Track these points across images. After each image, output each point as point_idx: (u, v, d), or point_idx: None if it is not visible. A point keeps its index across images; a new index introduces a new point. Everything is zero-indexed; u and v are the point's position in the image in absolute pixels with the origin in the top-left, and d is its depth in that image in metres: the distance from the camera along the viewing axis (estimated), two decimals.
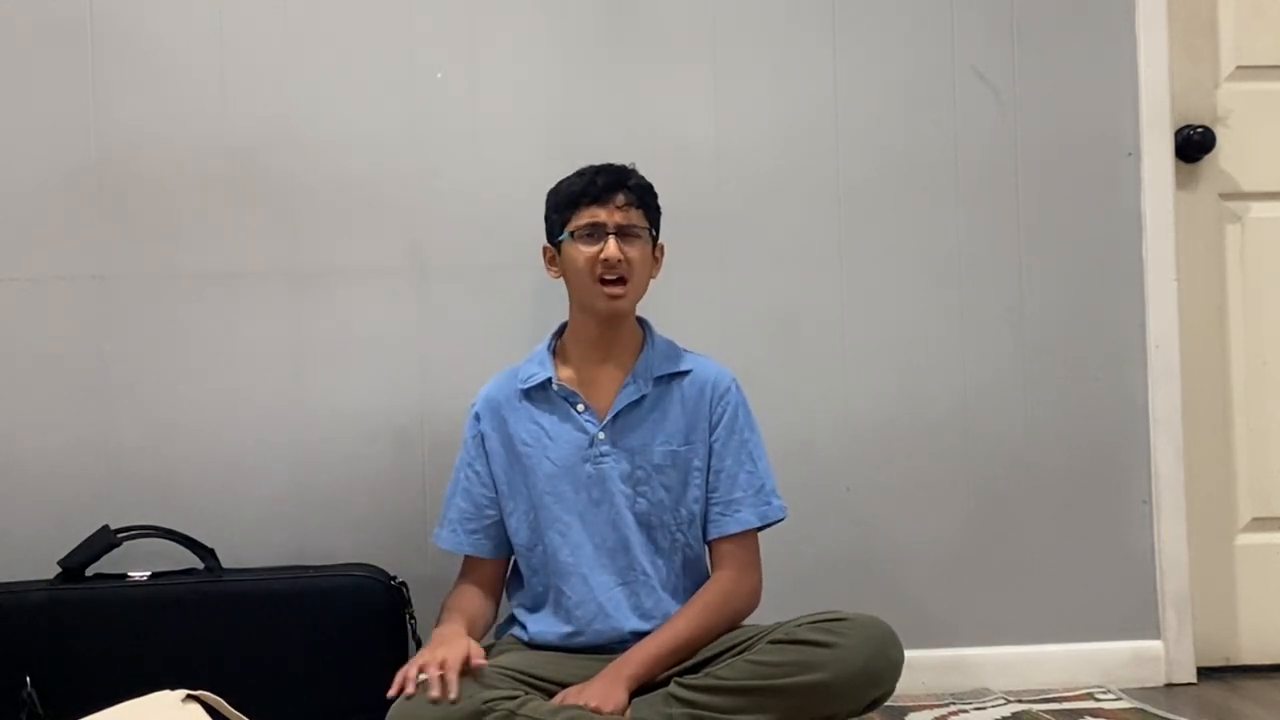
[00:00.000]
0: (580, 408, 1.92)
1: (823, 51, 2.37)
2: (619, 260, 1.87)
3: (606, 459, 1.91)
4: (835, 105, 2.37)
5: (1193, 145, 2.45)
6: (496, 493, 1.95)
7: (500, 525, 1.96)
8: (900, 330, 2.38)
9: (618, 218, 1.89)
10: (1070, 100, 2.41)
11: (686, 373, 1.96)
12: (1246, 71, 2.49)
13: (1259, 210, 2.50)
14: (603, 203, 1.89)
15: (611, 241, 1.87)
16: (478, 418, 1.97)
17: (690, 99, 2.35)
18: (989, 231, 2.40)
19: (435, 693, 1.63)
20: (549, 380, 1.93)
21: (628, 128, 2.31)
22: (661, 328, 2.02)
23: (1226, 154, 2.49)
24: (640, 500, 1.91)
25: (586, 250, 1.88)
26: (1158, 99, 2.41)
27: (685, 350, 1.99)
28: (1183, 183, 2.46)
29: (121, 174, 2.24)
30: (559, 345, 1.99)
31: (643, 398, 1.92)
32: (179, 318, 2.24)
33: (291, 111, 2.27)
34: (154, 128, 2.24)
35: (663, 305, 2.01)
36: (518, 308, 2.28)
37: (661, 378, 1.95)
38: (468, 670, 1.68)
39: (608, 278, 1.88)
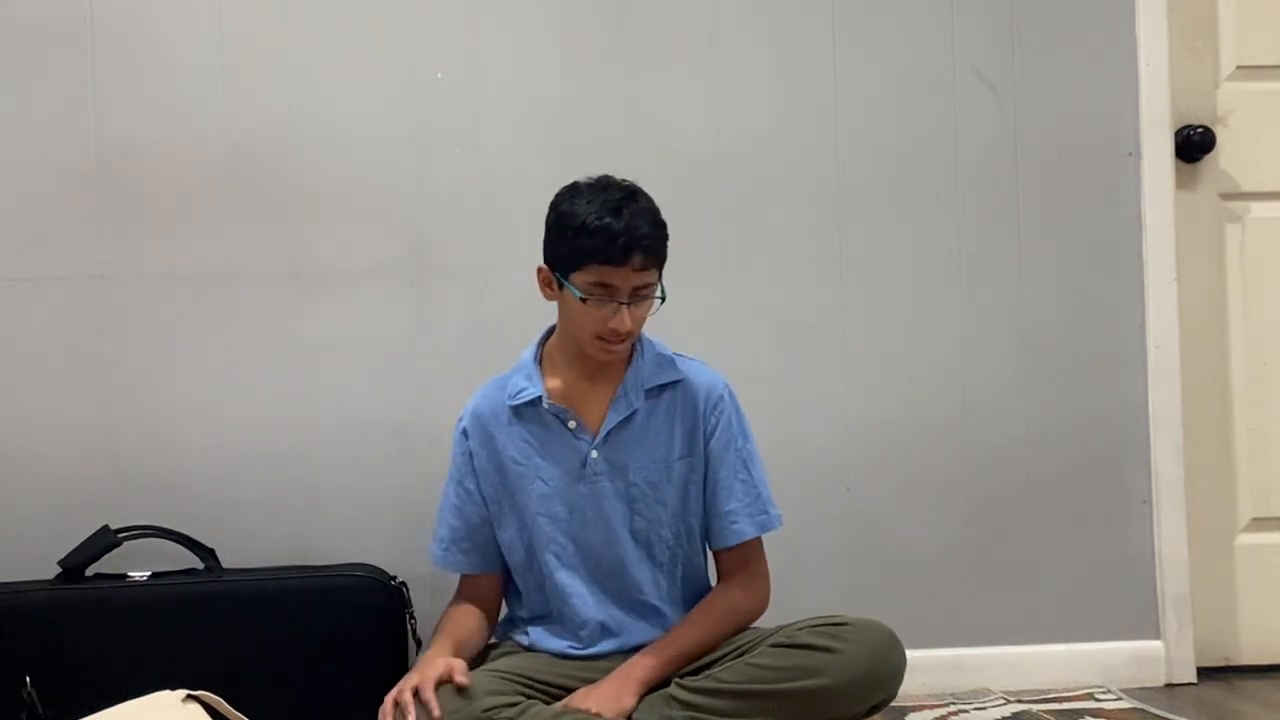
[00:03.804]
0: (572, 425, 1.85)
1: (823, 51, 2.38)
2: (629, 331, 1.77)
3: (600, 478, 1.85)
4: (835, 105, 2.37)
5: (1193, 145, 2.45)
6: (488, 510, 1.90)
7: (494, 541, 1.91)
8: (900, 330, 2.38)
9: (633, 281, 1.75)
10: (1070, 100, 2.41)
11: (678, 382, 1.89)
12: (1246, 71, 2.49)
13: (1259, 210, 2.50)
14: (617, 264, 1.73)
15: (624, 313, 1.75)
16: (465, 434, 1.90)
17: (690, 99, 2.34)
18: (989, 231, 2.40)
19: (411, 717, 1.60)
20: (539, 398, 1.86)
21: (628, 128, 2.31)
22: (659, 330, 1.99)
23: (1226, 154, 2.49)
24: (637, 518, 1.86)
25: (594, 312, 1.76)
26: (1158, 99, 2.41)
27: (675, 355, 1.92)
28: (1183, 183, 2.46)
29: (121, 174, 2.24)
30: (545, 354, 1.91)
31: (634, 413, 1.85)
32: (179, 318, 2.24)
33: (291, 111, 2.27)
34: (154, 128, 2.24)
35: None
36: (517, 308, 2.26)
37: (652, 389, 1.87)
38: (447, 683, 1.66)
39: (611, 339, 1.78)
